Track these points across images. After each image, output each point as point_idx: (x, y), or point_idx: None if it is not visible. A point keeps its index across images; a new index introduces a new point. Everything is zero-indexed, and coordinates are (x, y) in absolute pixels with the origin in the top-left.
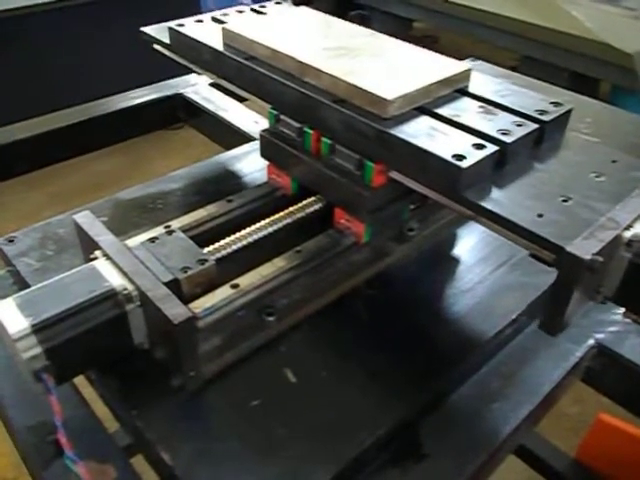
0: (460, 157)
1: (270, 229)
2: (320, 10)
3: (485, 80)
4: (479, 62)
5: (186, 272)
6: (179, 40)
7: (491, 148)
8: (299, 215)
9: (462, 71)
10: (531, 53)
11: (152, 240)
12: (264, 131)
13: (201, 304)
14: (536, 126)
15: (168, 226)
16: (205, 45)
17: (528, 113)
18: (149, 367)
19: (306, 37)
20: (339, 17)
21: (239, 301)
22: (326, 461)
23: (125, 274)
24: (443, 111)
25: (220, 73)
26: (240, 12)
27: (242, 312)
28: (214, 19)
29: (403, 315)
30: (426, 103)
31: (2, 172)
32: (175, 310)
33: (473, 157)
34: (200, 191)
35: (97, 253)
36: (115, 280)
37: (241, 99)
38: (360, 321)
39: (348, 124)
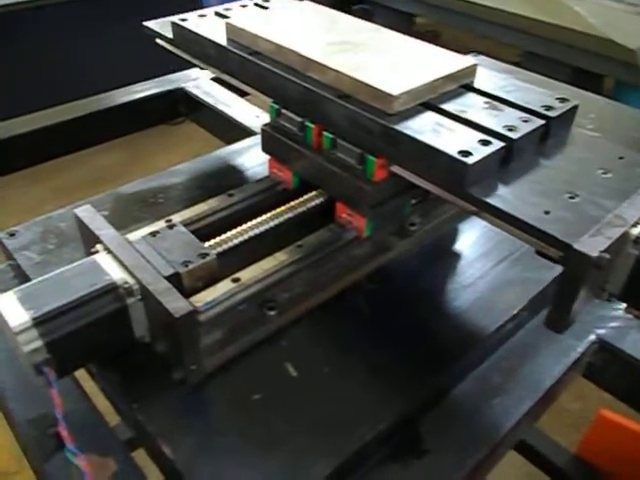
0: (466, 153)
1: (271, 223)
2: (323, 4)
3: (490, 76)
4: (481, 57)
5: (187, 266)
6: (182, 35)
7: (497, 144)
8: (300, 209)
9: (468, 66)
10: (534, 49)
11: (153, 234)
12: (265, 125)
13: (202, 298)
14: (542, 122)
15: (169, 220)
16: (208, 40)
17: (534, 109)
18: (150, 361)
19: (310, 32)
20: (342, 11)
21: (240, 295)
22: (327, 455)
23: (126, 268)
24: (448, 107)
25: (223, 68)
26: (243, 6)
27: (243, 306)
28: (217, 14)
29: (404, 310)
30: (431, 99)
31: (3, 167)
32: (176, 304)
33: (479, 153)
34: (201, 185)
35: (98, 247)
36: (116, 274)
37: (242, 93)
38: (361, 316)
39: (353, 120)
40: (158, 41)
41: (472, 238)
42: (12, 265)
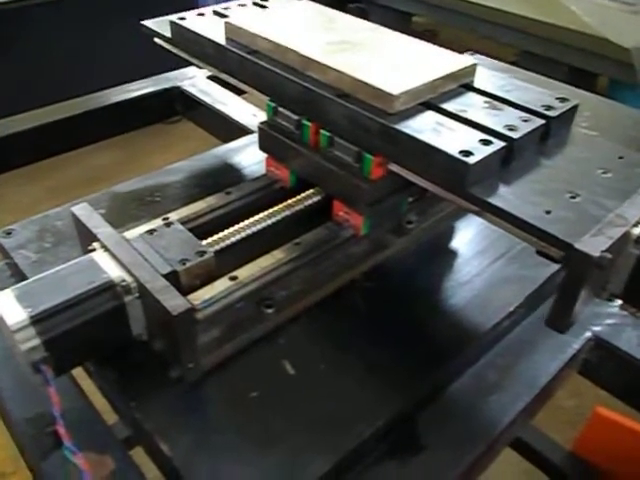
0: (467, 153)
1: (269, 221)
2: (321, 3)
3: (490, 75)
4: (478, 57)
5: (185, 264)
6: (180, 34)
7: (498, 144)
8: (297, 207)
9: (467, 66)
10: (530, 48)
11: (150, 232)
12: (262, 123)
13: (200, 296)
14: (542, 122)
15: (166, 218)
16: (207, 39)
17: (534, 108)
18: (148, 359)
19: (309, 31)
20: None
21: (238, 293)
22: (325, 452)
23: (123, 266)
24: (449, 106)
25: (222, 67)
26: (242, 5)
27: (241, 304)
28: (216, 12)
29: (401, 307)
30: (431, 98)
31: (0, 165)
32: (174, 302)
33: (480, 153)
34: (198, 184)
35: (95, 245)
36: (113, 272)
37: (239, 92)
38: (358, 313)
39: (352, 119)
40: (156, 40)
41: (469, 236)
42: (9, 264)
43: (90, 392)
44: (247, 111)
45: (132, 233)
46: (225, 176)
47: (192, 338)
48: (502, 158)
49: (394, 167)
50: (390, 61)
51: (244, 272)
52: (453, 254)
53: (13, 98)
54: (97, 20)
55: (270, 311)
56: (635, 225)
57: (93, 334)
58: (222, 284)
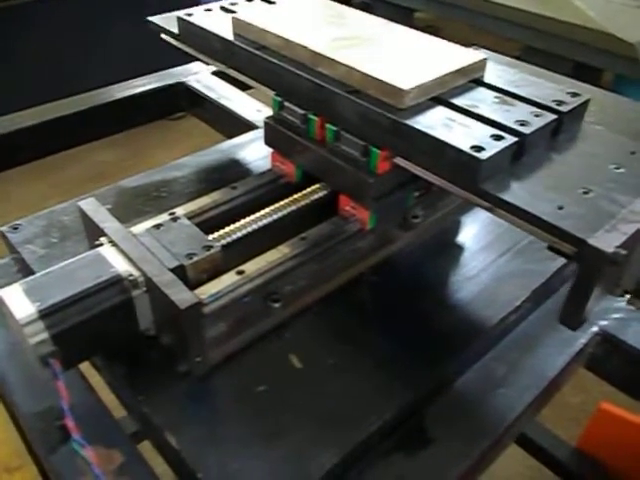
0: (479, 148)
1: (275, 216)
2: None
3: (499, 70)
4: (483, 51)
5: (192, 258)
6: (188, 30)
7: (510, 139)
8: (303, 202)
9: (478, 61)
10: (534, 43)
11: (157, 227)
12: (268, 118)
13: (207, 290)
14: (554, 117)
15: (173, 213)
16: (215, 35)
17: (545, 103)
18: (155, 353)
19: (318, 26)
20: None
21: (245, 287)
22: (332, 445)
23: (131, 260)
24: (459, 101)
25: (230, 63)
26: (249, 0)
27: (248, 298)
28: (223, 8)
29: (408, 302)
30: (442, 93)
31: (5, 161)
32: (181, 295)
33: (492, 148)
34: (204, 179)
35: (102, 240)
36: (121, 266)
37: (244, 87)
38: (365, 308)
39: (363, 115)
40: (163, 36)
41: (474, 230)
42: (16, 259)
43: (97, 388)
44: (252, 106)
45: (139, 228)
46: (231, 171)
47: (199, 332)
48: (513, 153)
49: (401, 161)
50: (400, 56)
51: (251, 266)
52: (459, 248)
53: (19, 94)
54: (97, 17)
55: (277, 305)
56: None
57: (101, 328)
58: (229, 278)
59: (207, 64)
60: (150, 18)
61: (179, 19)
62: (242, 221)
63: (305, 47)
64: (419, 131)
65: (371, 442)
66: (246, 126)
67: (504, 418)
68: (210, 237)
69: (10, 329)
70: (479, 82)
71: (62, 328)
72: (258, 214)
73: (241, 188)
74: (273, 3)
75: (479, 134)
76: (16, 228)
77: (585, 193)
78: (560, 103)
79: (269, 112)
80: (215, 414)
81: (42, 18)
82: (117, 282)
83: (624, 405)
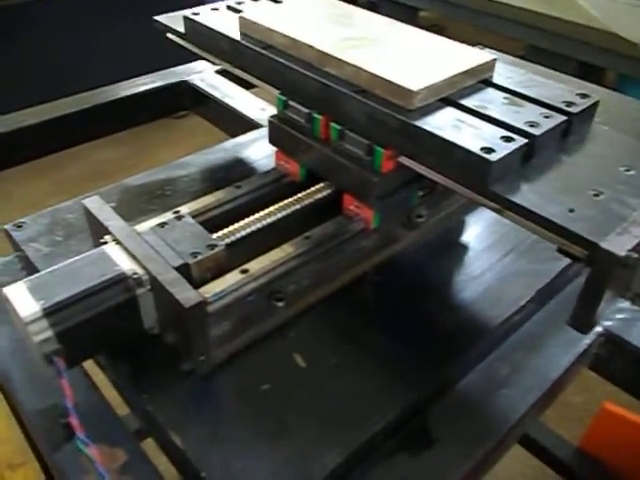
0: (489, 150)
1: (279, 215)
2: None
3: (508, 71)
4: (487, 51)
5: (196, 257)
6: (194, 29)
7: (520, 141)
8: (308, 201)
9: (487, 61)
10: (538, 42)
11: (161, 225)
12: (272, 117)
13: (211, 289)
14: (564, 118)
15: (177, 211)
16: (222, 34)
17: (555, 105)
18: (159, 352)
19: (325, 26)
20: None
21: (249, 286)
22: (336, 445)
23: (135, 258)
24: (468, 102)
25: (237, 63)
26: (255, 0)
27: (252, 297)
28: (229, 7)
29: (411, 301)
30: (451, 94)
31: (6, 160)
32: (186, 294)
33: (502, 150)
34: (208, 177)
35: (107, 238)
36: (125, 264)
37: (247, 86)
38: (369, 307)
39: (370, 115)
40: (169, 35)
41: (479, 229)
42: (20, 256)
43: (101, 385)
44: (256, 105)
45: (143, 226)
46: (235, 170)
47: (204, 330)
48: (523, 155)
49: (406, 161)
50: (408, 57)
51: (255, 265)
52: (463, 248)
53: (20, 93)
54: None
55: (281, 304)
56: None
57: (105, 326)
58: (233, 277)
59: (213, 63)
60: (156, 17)
61: (185, 18)
62: (246, 220)
63: (312, 47)
64: (428, 132)
65: (375, 442)
66: (250, 125)
67: (508, 419)
68: (214, 236)
69: (14, 327)
70: (488, 83)
71: (66, 326)
72: (262, 213)
73: (245, 187)
74: (280, 2)
75: (489, 135)
76: (20, 226)
77: (596, 195)
78: (570, 104)
79: (273, 111)
80: (219, 413)
81: (42, 18)
82: (121, 280)
83: (627, 405)
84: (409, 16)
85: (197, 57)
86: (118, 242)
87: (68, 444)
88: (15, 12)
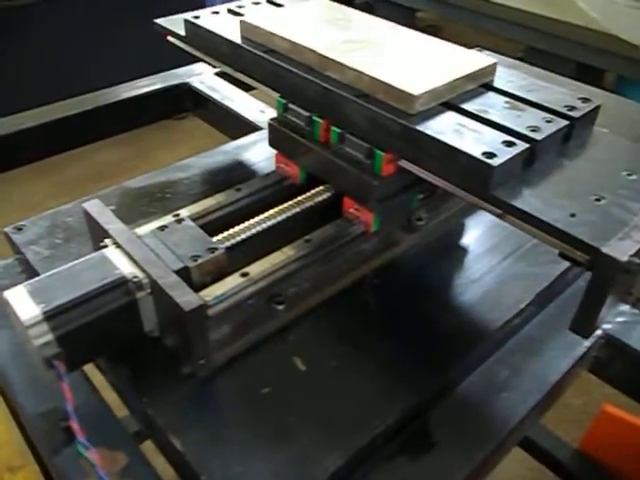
0: (490, 155)
1: (279, 218)
2: None
3: (509, 74)
4: (486, 53)
5: (196, 260)
6: (195, 32)
7: (521, 145)
8: (308, 204)
9: (488, 65)
10: (537, 44)
11: (162, 228)
12: (273, 120)
13: (211, 292)
14: (566, 122)
15: (177, 215)
16: (222, 37)
17: (556, 109)
18: (159, 355)
19: (326, 29)
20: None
21: (249, 289)
22: (337, 448)
23: (135, 262)
24: (469, 107)
25: (238, 66)
26: (256, 4)
27: (252, 300)
28: (230, 11)
29: (412, 304)
30: (452, 98)
31: (7, 162)
32: (186, 297)
33: (504, 155)
34: (208, 180)
35: (107, 241)
36: (125, 268)
37: (247, 88)
38: (369, 310)
39: (371, 119)
40: (170, 38)
41: (478, 233)
42: (20, 259)
43: (100, 388)
44: (255, 107)
45: (143, 229)
46: (235, 173)
47: (204, 334)
48: (525, 160)
49: (406, 164)
50: (409, 60)
51: (255, 269)
52: (463, 251)
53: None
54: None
55: (281, 308)
56: None
57: (105, 330)
58: (233, 280)
59: (213, 66)
60: (157, 20)
61: (186, 21)
62: (246, 223)
63: (313, 50)
64: (430, 137)
65: (375, 445)
66: (249, 127)
67: (507, 422)
68: (214, 239)
69: (15, 330)
70: (489, 87)
71: (67, 330)
72: (262, 216)
73: (245, 190)
74: (281, 6)
75: (490, 140)
76: (20, 229)
77: (597, 200)
78: (571, 108)
79: (273, 113)
80: (219, 416)
81: (43, 20)
82: (122, 284)
83: (626, 407)
84: (406, 17)
85: (197, 59)
86: (118, 245)
87: (68, 448)
88: (16, 14)
